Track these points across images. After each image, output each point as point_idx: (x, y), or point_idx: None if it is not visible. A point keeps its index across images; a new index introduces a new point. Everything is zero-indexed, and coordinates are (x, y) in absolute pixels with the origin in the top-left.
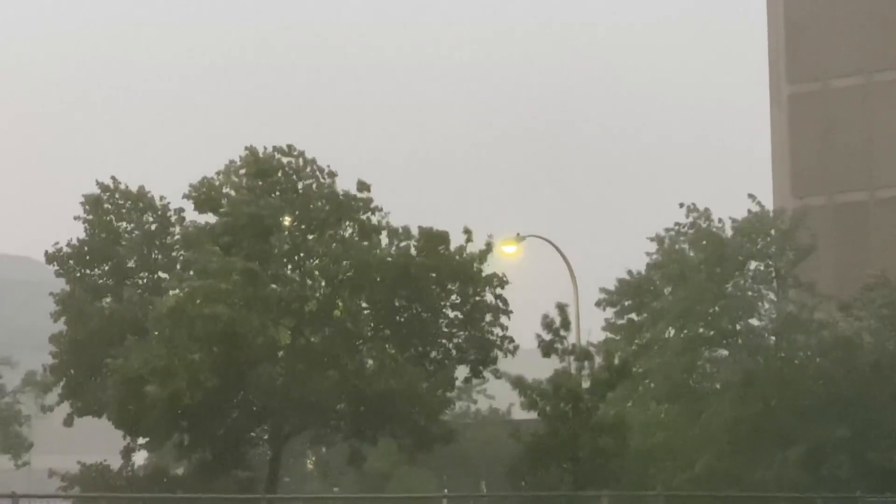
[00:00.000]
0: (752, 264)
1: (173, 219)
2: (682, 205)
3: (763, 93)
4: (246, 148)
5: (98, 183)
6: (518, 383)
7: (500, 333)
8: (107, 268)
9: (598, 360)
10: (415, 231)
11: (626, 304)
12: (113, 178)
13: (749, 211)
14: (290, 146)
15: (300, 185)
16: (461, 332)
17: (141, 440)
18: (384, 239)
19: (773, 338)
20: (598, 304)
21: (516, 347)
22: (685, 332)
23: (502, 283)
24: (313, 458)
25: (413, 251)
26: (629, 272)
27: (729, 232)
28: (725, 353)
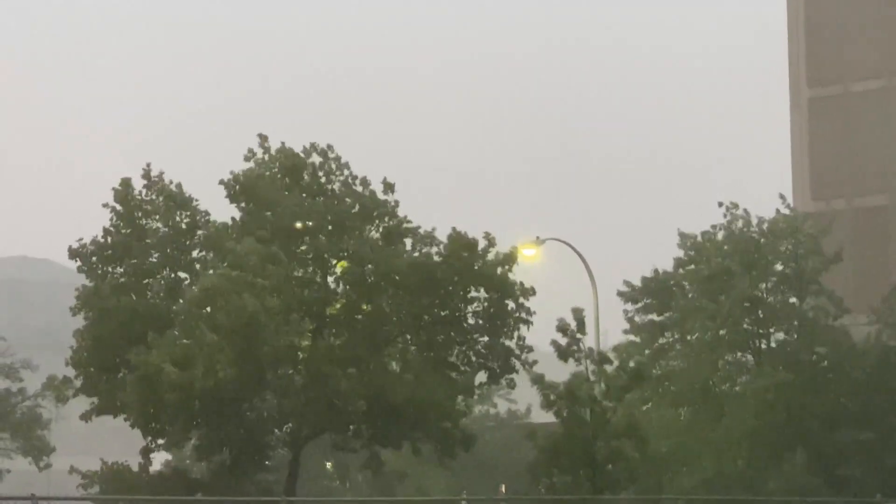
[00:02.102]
0: (778, 267)
1: (201, 221)
2: (720, 204)
3: (783, 96)
4: (278, 148)
5: (144, 170)
6: (538, 381)
7: (520, 343)
8: (130, 265)
9: (615, 363)
10: (439, 235)
11: (649, 302)
12: (147, 164)
13: (777, 211)
14: (329, 146)
15: (330, 187)
16: (482, 339)
17: (160, 440)
18: (408, 243)
19: (798, 343)
20: (619, 294)
21: (535, 362)
22: (710, 334)
23: (526, 292)
24: (332, 461)
25: (437, 256)
26: (655, 270)
27: (756, 233)
28: (749, 357)
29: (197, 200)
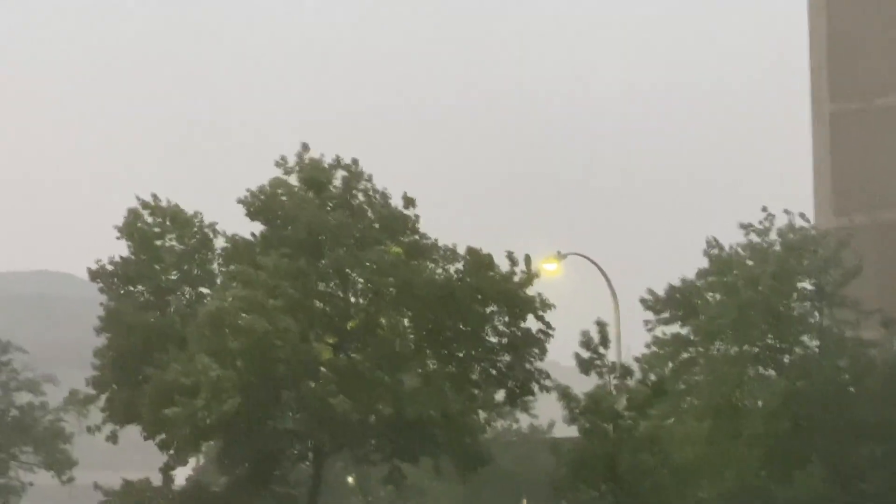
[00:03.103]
0: (801, 282)
1: (211, 234)
2: (743, 226)
3: (804, 110)
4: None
5: (139, 199)
6: (564, 394)
7: (539, 365)
8: (148, 284)
9: (638, 376)
10: (461, 250)
11: (672, 313)
12: (154, 195)
13: (794, 226)
14: (354, 160)
15: (354, 201)
16: (502, 356)
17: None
18: (429, 258)
19: (819, 357)
20: (641, 301)
21: (555, 384)
22: (733, 348)
23: (546, 305)
24: (354, 475)
25: (456, 272)
26: (682, 279)
27: (779, 247)
28: (772, 371)
29: (201, 214)
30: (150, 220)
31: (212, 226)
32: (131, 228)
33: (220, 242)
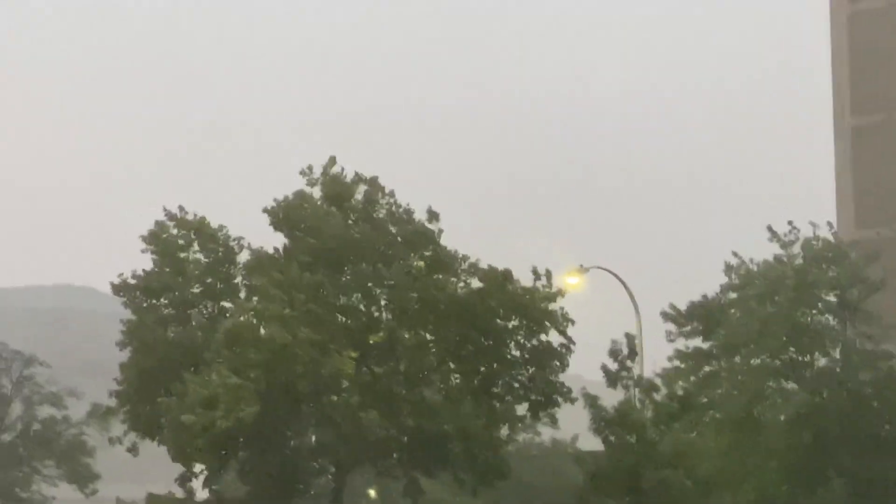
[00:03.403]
0: (824, 295)
1: (235, 247)
2: (770, 229)
3: (826, 123)
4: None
5: (165, 211)
6: (592, 403)
7: (559, 383)
8: (172, 297)
9: (662, 390)
10: (483, 265)
11: (694, 327)
12: (180, 207)
13: (817, 237)
14: (374, 178)
15: (376, 214)
16: (524, 371)
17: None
18: (451, 272)
19: (841, 370)
20: (662, 314)
21: (575, 399)
22: (754, 360)
23: (567, 319)
24: (375, 488)
25: (477, 286)
26: (703, 295)
27: (802, 259)
28: (793, 384)
29: (226, 228)
30: (174, 231)
31: (238, 239)
32: (157, 239)
33: (244, 256)
